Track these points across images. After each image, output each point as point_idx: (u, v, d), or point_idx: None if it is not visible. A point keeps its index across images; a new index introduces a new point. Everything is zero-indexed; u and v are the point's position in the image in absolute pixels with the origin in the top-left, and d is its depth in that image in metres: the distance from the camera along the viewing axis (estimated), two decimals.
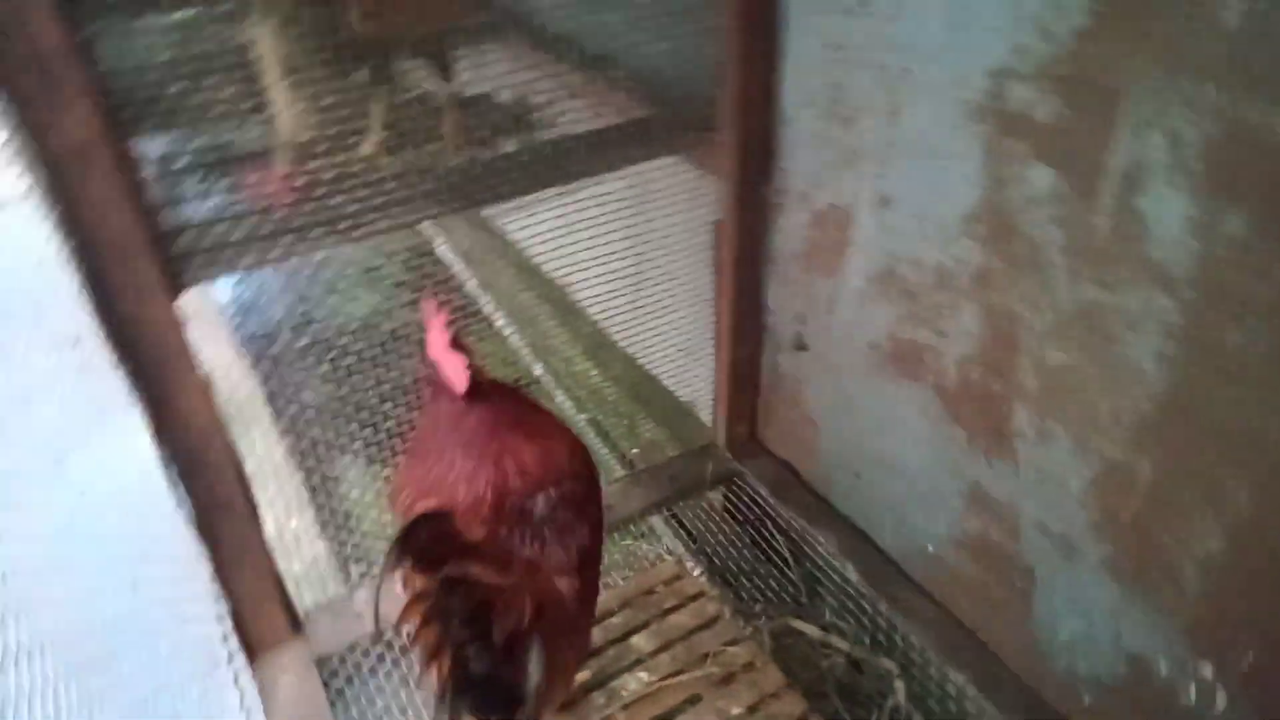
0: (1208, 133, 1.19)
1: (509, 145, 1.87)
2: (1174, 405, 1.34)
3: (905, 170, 1.68)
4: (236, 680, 1.64)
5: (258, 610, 1.79)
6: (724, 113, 1.94)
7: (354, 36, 1.57)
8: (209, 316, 1.62)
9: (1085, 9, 1.28)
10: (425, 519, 1.24)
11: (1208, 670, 1.40)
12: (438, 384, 1.45)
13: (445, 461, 1.42)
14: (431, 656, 1.23)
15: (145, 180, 1.39)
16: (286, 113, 1.74)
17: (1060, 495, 1.57)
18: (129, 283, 1.38)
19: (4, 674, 0.75)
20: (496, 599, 1.23)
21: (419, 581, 1.31)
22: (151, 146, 1.74)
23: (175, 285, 1.45)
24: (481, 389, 1.45)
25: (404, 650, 1.88)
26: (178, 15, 1.50)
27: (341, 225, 1.58)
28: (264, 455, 2.51)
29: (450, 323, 1.44)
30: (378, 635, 1.87)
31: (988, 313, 1.60)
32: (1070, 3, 1.29)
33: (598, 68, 2.15)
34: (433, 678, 1.24)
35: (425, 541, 1.21)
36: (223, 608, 1.71)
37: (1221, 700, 1.39)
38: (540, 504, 1.41)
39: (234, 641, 1.71)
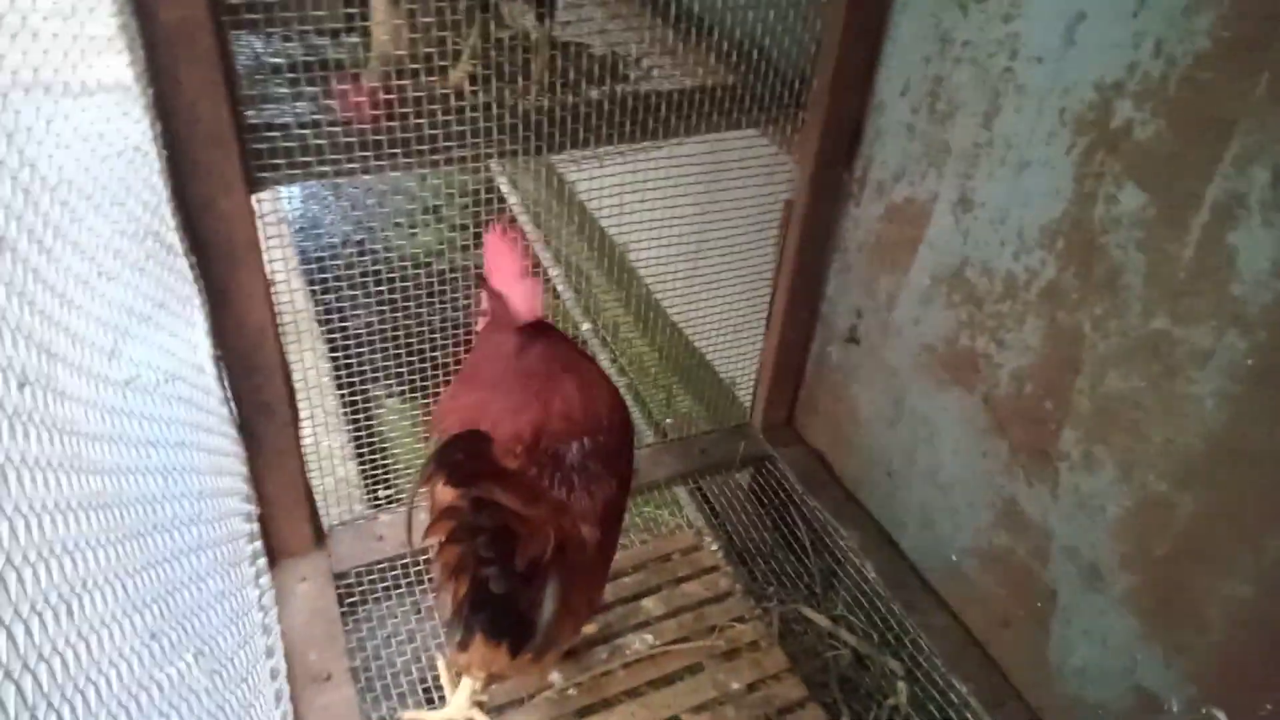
0: None
1: (594, 93, 1.87)
2: (1227, 446, 1.31)
3: (992, 173, 1.65)
4: (257, 579, 1.68)
5: (286, 516, 1.84)
6: (816, 91, 1.92)
7: None
8: (276, 227, 1.63)
9: (1209, 33, 1.24)
10: (464, 437, 1.27)
11: (1220, 716, 1.38)
12: (497, 314, 1.46)
13: (493, 393, 1.43)
14: (453, 571, 1.24)
15: (241, 73, 1.41)
16: (383, 27, 1.76)
17: (1095, 522, 1.55)
18: (213, 171, 1.40)
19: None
20: (523, 526, 1.25)
21: (450, 496, 1.34)
22: (251, 41, 1.77)
23: (255, 181, 1.48)
24: (541, 326, 1.46)
25: (419, 577, 1.92)
26: None
27: (419, 149, 1.59)
28: (309, 372, 2.56)
29: (525, 250, 1.44)
30: (410, 546, 1.90)
31: (1052, 328, 1.57)
32: (1196, 26, 1.25)
33: (694, 28, 2.13)
34: (451, 592, 1.26)
35: (462, 459, 1.24)
36: (253, 508, 1.75)
37: None
38: (574, 450, 1.42)
39: (259, 543, 1.75)
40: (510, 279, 1.44)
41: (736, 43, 2.00)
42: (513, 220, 3.32)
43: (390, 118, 1.57)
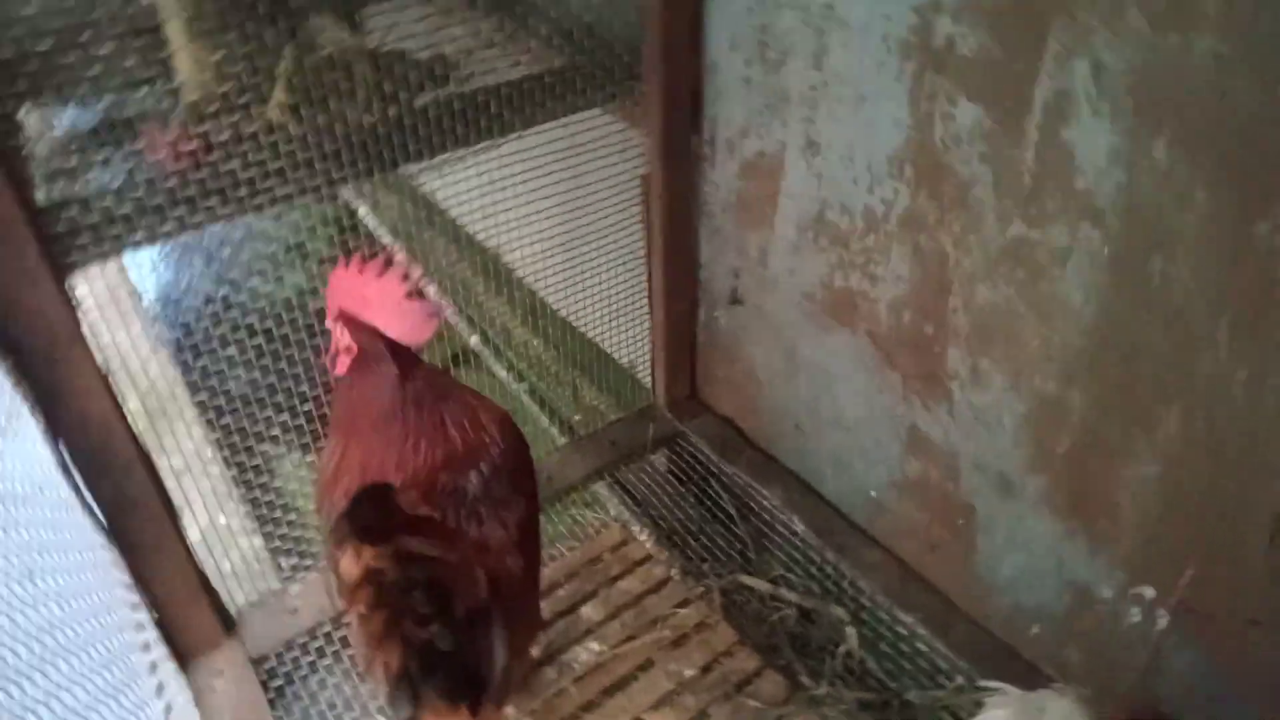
0: (1130, 59, 1.17)
1: (422, 101, 1.78)
2: (1103, 337, 1.34)
3: (833, 113, 1.64)
4: (161, 691, 1.55)
5: (184, 613, 1.71)
6: (647, 61, 1.87)
7: None
8: (124, 305, 1.50)
9: None
10: (369, 493, 1.18)
11: (1148, 592, 1.42)
12: (368, 351, 1.37)
13: (378, 439, 1.34)
14: (381, 641, 1.13)
15: (20, 151, 1.27)
16: (182, 71, 1.63)
17: (995, 433, 1.57)
18: (8, 266, 1.26)
19: None
20: (451, 574, 1.17)
21: (369, 558, 1.24)
22: (27, 112, 1.61)
23: (62, 267, 1.35)
24: (407, 355, 1.38)
25: (344, 641, 1.82)
26: None
27: (241, 193, 1.48)
28: (188, 450, 2.40)
29: (405, 272, 1.35)
30: (333, 609, 1.80)
31: (917, 255, 1.58)
32: None
33: (515, 16, 2.06)
34: (387, 660, 1.12)
35: (372, 517, 1.14)
36: (143, 615, 1.62)
37: (1163, 619, 1.42)
38: (474, 480, 1.34)
39: (158, 650, 1.62)
40: (390, 306, 1.35)
41: (558, 25, 1.94)
42: (380, 247, 3.18)
43: (199, 165, 1.46)
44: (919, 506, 1.80)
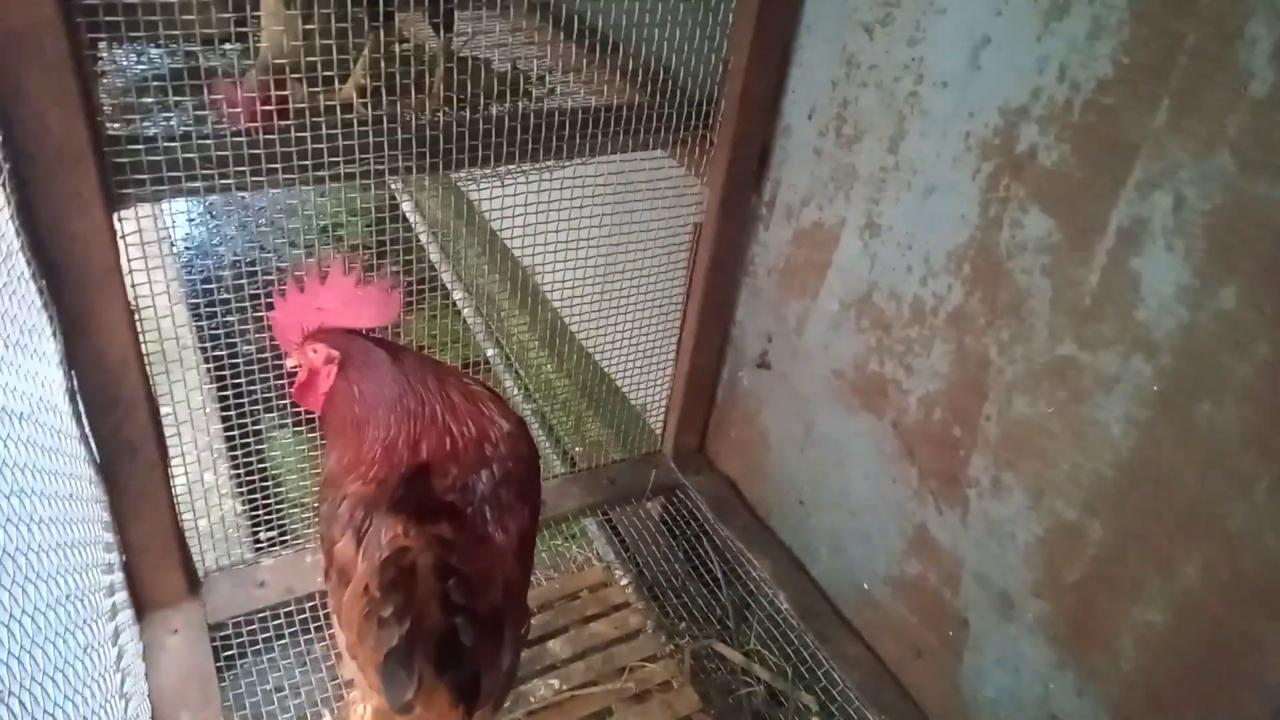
0: (1214, 200, 1.16)
1: (494, 110, 1.79)
2: (1135, 471, 1.31)
3: (899, 198, 1.64)
4: (115, 636, 1.51)
5: (154, 564, 1.67)
6: (723, 113, 1.88)
7: None
8: (146, 247, 1.49)
9: (1111, 58, 1.25)
10: (417, 473, 1.22)
11: None
12: (350, 353, 1.36)
13: (390, 430, 1.32)
14: (397, 620, 1.05)
15: (98, 77, 1.27)
16: (269, 32, 1.64)
17: (1006, 549, 1.53)
18: (65, 189, 1.26)
19: None
20: (483, 570, 1.15)
21: (351, 549, 1.22)
22: (113, 48, 1.62)
23: (116, 198, 1.34)
24: (391, 345, 1.38)
25: (305, 626, 1.77)
26: None
27: (301, 164, 1.47)
28: (193, 402, 2.38)
29: (350, 264, 1.35)
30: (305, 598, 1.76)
31: (959, 354, 1.56)
32: (1099, 50, 1.25)
33: (600, 46, 2.08)
34: (396, 646, 1.05)
35: (419, 497, 1.17)
36: (115, 556, 1.59)
37: None
38: (484, 481, 1.32)
39: (120, 595, 1.58)
40: (350, 302, 1.35)
41: (643, 62, 1.95)
42: (405, 248, 3.18)
43: (270, 129, 1.46)
44: (911, 608, 1.76)
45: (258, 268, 2.08)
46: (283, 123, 1.49)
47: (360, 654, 1.14)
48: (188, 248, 4.03)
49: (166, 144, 1.35)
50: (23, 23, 1.13)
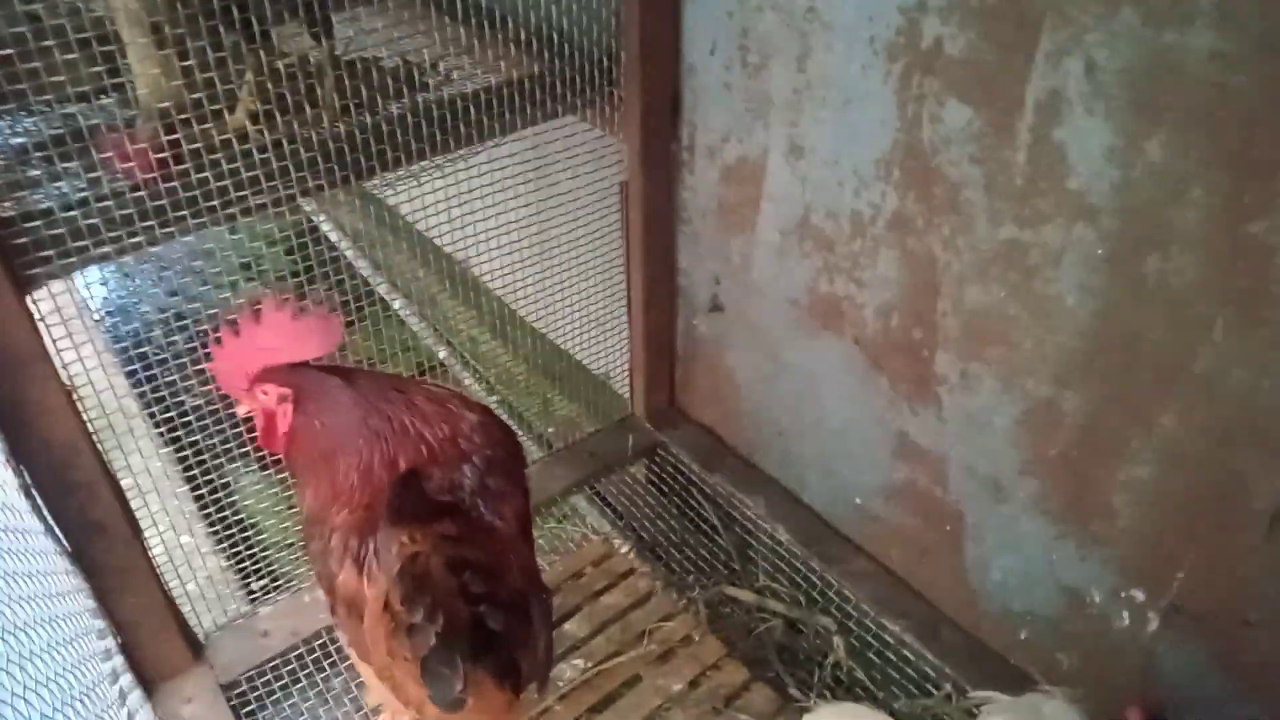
0: (1124, 57, 1.17)
1: (393, 108, 1.73)
2: (1098, 337, 1.34)
3: (817, 116, 1.63)
4: (131, 717, 1.48)
5: (151, 638, 1.63)
6: (625, 67, 1.85)
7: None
8: (74, 320, 1.43)
9: None
10: (406, 480, 1.22)
11: (1139, 594, 1.42)
12: (303, 387, 1.33)
13: (364, 452, 1.29)
14: (432, 617, 1.05)
15: None
16: (144, 77, 1.56)
17: (986, 437, 1.56)
18: None
19: None
20: (495, 558, 1.15)
21: (354, 582, 1.21)
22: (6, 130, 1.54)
23: (26, 280, 1.27)
24: (336, 369, 1.35)
25: (318, 664, 1.75)
26: None
27: (209, 205, 1.42)
28: (145, 468, 2.31)
29: (282, 298, 1.31)
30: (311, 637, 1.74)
31: (905, 258, 1.57)
32: None
33: (488, 22, 2.02)
34: (430, 646, 1.05)
35: (412, 503, 1.16)
36: (110, 642, 1.54)
37: (1153, 622, 1.42)
38: (468, 475, 1.30)
39: (125, 678, 1.54)
40: (291, 336, 1.32)
41: (535, 30, 1.90)
42: (333, 266, 3.11)
43: (168, 176, 1.39)
44: (907, 512, 1.79)
45: (186, 319, 2.01)
46: (179, 167, 1.43)
47: (396, 670, 1.13)
48: (109, 314, 3.89)
49: (65, 214, 1.29)
50: None
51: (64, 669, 1.24)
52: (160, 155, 1.41)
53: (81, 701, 1.28)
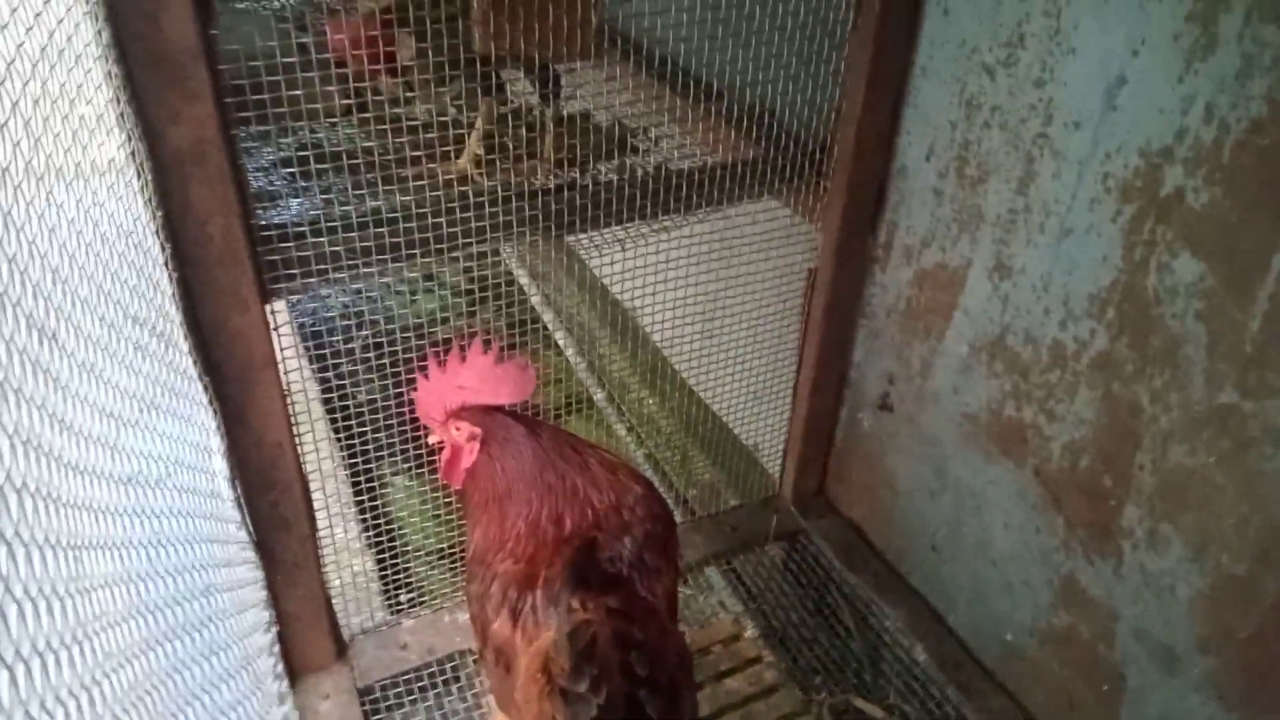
0: None
1: (604, 169, 1.81)
2: None
3: (1031, 240, 1.59)
4: (281, 701, 1.58)
5: (306, 631, 1.74)
6: (836, 158, 1.86)
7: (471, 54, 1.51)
8: (291, 335, 1.57)
9: (1265, 97, 1.19)
10: (585, 546, 1.24)
11: None
12: (491, 430, 1.39)
13: (534, 505, 1.35)
14: (598, 685, 1.08)
15: (250, 183, 1.35)
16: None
17: (1166, 603, 1.46)
18: (225, 289, 1.33)
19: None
20: (658, 639, 1.17)
21: (582, 608, 1.21)
22: (260, 148, 1.71)
23: (269, 292, 1.41)
24: (526, 419, 1.40)
25: (446, 686, 1.81)
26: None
27: (433, 243, 1.52)
28: (319, 460, 2.48)
29: (480, 343, 1.39)
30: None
31: (1106, 401, 1.50)
32: (1251, 91, 1.20)
33: (705, 95, 2.09)
34: (587, 710, 1.07)
35: (590, 570, 1.20)
36: (271, 624, 1.66)
37: None
38: (628, 546, 1.32)
39: (279, 661, 1.65)
40: (489, 380, 1.39)
41: (748, 109, 1.95)
42: (508, 294, 3.25)
43: (377, 69, 1.49)
44: (1061, 661, 1.69)
45: (365, 318, 2.12)
46: (393, 65, 1.51)
47: None
48: (298, 301, 4.18)
49: (314, 240, 1.42)
50: (189, 143, 1.20)
51: (242, 662, 1.34)
52: (374, 49, 1.50)
53: (242, 675, 1.39)
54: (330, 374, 1.94)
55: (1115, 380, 1.48)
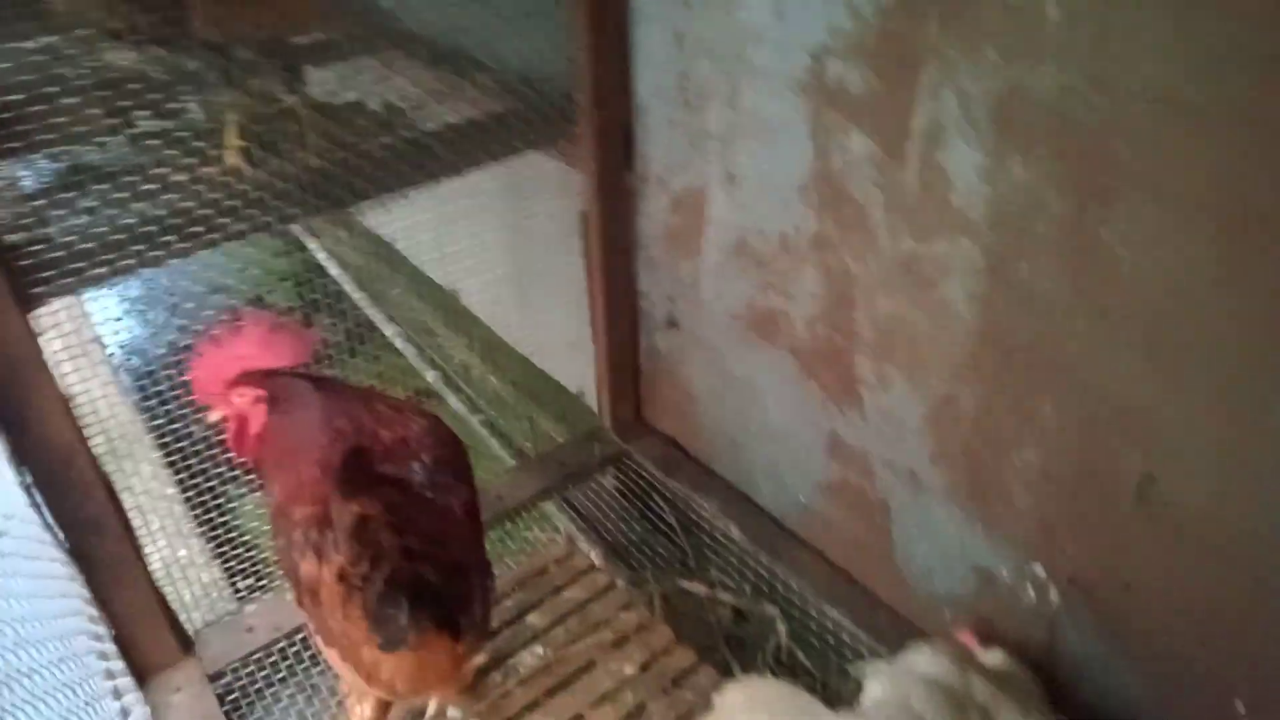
0: (989, 88, 1.34)
1: (368, 146, 1.92)
2: (984, 338, 1.49)
3: (747, 148, 1.80)
4: (124, 712, 1.62)
5: (144, 630, 1.77)
6: (581, 106, 2.03)
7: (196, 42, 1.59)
8: (68, 338, 1.60)
9: None
10: (354, 455, 1.35)
11: (1040, 570, 1.56)
12: (276, 393, 1.47)
13: (329, 440, 1.43)
14: (377, 569, 1.21)
15: None
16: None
17: (902, 433, 1.71)
18: None
19: None
20: (438, 524, 1.29)
21: (314, 571, 1.33)
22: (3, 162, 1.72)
23: (26, 300, 1.45)
24: (305, 375, 1.50)
25: (299, 657, 1.89)
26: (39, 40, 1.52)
27: (197, 229, 1.59)
28: (152, 489, 2.47)
29: (254, 313, 1.48)
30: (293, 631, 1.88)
31: (826, 273, 1.74)
32: None
33: (462, 70, 2.22)
34: (378, 589, 1.20)
35: (362, 475, 1.30)
36: (104, 633, 1.69)
37: (1055, 595, 1.55)
38: (418, 471, 1.44)
39: (117, 666, 1.69)
40: (267, 345, 1.47)
41: (504, 77, 2.10)
42: (336, 302, 3.28)
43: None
44: (842, 507, 1.93)
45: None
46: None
47: (350, 630, 1.26)
48: (123, 349, 4.07)
49: (63, 240, 1.47)
50: None
51: (60, 657, 1.38)
52: None
53: (75, 689, 1.43)
54: (166, 410, 1.97)
55: (828, 253, 1.71)
